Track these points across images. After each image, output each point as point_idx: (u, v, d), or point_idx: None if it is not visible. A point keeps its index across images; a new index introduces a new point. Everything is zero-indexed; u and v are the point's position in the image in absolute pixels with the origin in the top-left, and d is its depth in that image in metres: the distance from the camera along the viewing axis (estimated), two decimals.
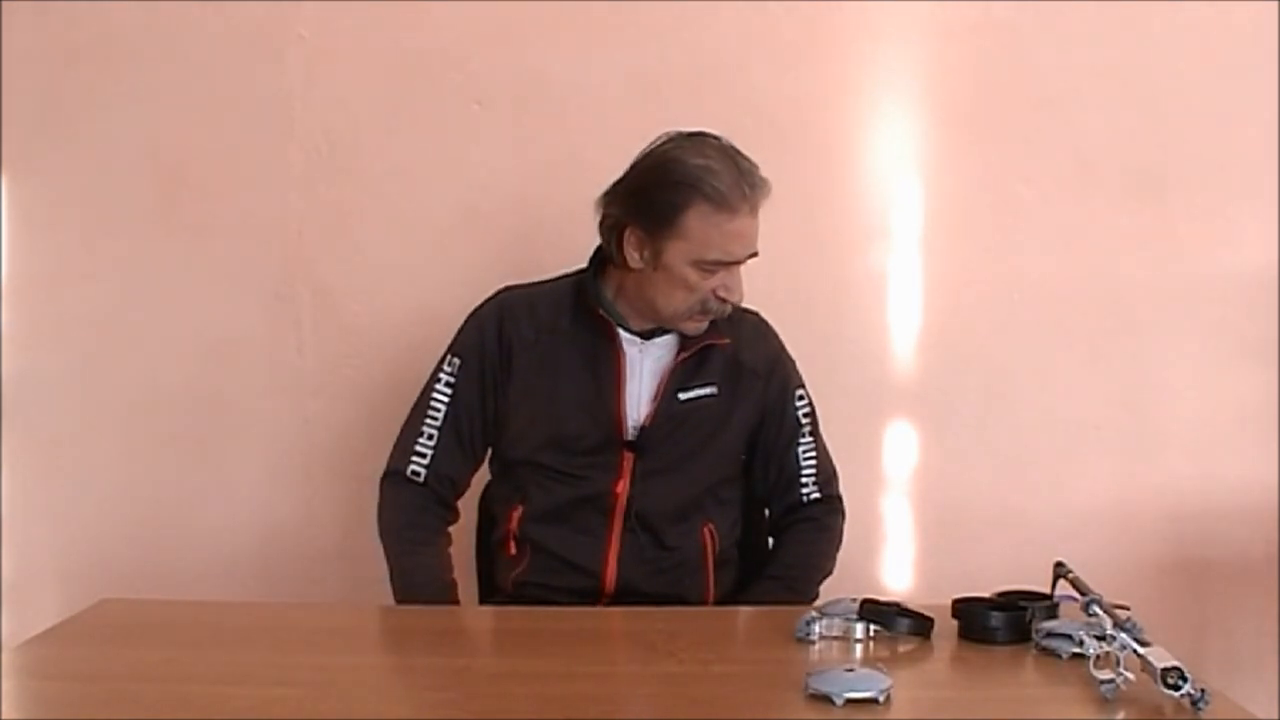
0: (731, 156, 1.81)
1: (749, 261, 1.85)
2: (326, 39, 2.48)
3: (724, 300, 1.83)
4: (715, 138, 1.84)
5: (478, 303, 2.00)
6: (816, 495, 1.97)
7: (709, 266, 1.81)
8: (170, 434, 2.53)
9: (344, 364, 2.51)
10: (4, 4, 2.47)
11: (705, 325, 1.88)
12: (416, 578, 1.87)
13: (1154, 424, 2.52)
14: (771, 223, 2.45)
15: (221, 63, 2.48)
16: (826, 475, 1.99)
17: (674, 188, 1.79)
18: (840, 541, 2.00)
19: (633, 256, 1.84)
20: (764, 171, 2.42)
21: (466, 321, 1.96)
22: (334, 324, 2.51)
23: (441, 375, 1.93)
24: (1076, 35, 2.46)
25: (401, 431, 1.95)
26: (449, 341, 1.96)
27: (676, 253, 1.81)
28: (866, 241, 2.51)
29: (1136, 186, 2.49)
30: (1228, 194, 2.49)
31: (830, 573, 1.96)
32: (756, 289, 2.40)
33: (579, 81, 2.40)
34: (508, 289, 1.98)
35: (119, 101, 2.49)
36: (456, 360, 1.93)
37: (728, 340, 1.91)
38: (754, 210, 1.80)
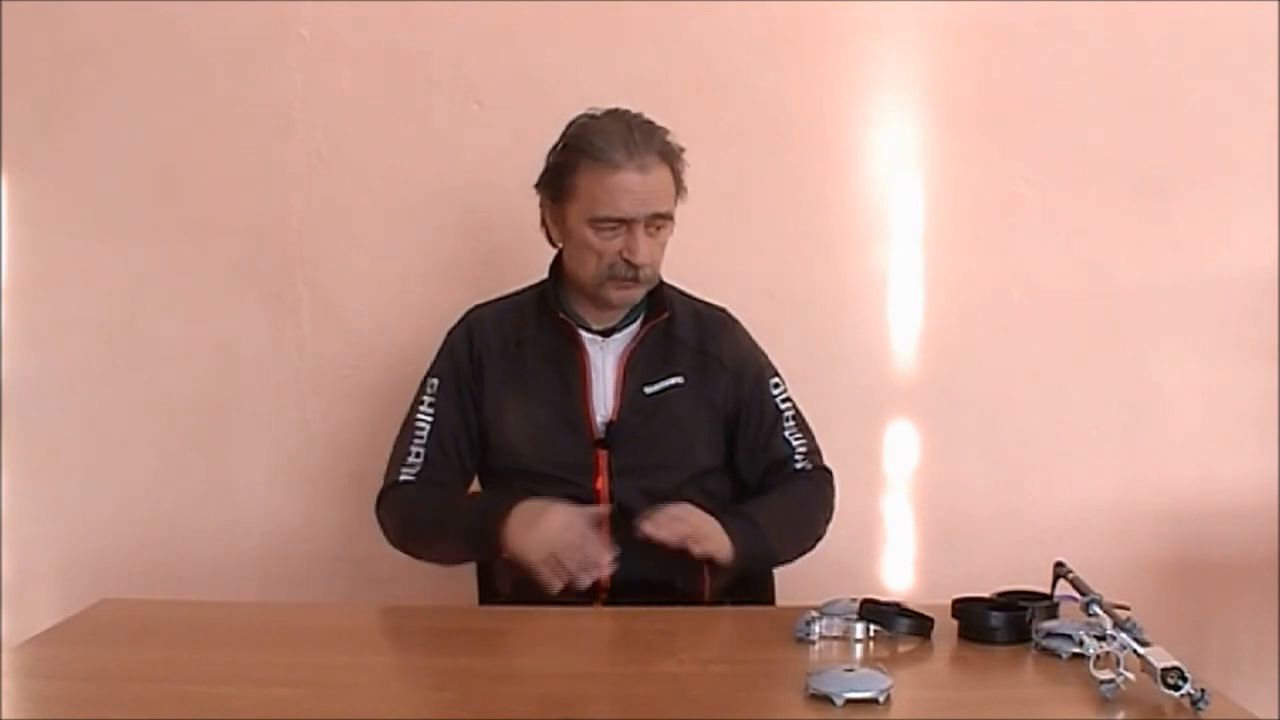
0: (626, 120, 1.85)
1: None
2: (326, 39, 2.48)
3: (630, 263, 1.83)
4: (624, 110, 1.87)
5: (475, 303, 2.03)
6: (808, 466, 1.98)
7: (603, 225, 1.83)
8: (170, 434, 2.53)
9: (344, 364, 2.51)
10: (4, 4, 2.47)
11: (633, 295, 1.88)
12: (458, 511, 1.88)
13: (1154, 424, 2.52)
14: (772, 223, 2.49)
15: (221, 63, 2.48)
16: (814, 449, 2.00)
17: (564, 152, 1.87)
18: (831, 500, 1.98)
19: (553, 232, 1.92)
20: (765, 171, 2.43)
21: (441, 344, 2.00)
22: (334, 324, 2.51)
23: (424, 397, 1.97)
24: (1076, 35, 2.46)
25: (391, 454, 1.98)
26: (432, 356, 1.99)
27: (574, 215, 1.85)
28: (866, 241, 2.51)
29: (1136, 186, 2.49)
30: (1228, 194, 2.49)
31: (817, 532, 1.94)
32: (758, 289, 2.43)
33: (579, 81, 2.40)
34: (476, 307, 2.02)
35: (119, 101, 2.49)
36: (435, 381, 1.97)
37: (666, 315, 1.92)
38: (643, 168, 1.81)
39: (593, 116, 1.87)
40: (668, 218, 1.86)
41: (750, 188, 2.47)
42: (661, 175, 1.84)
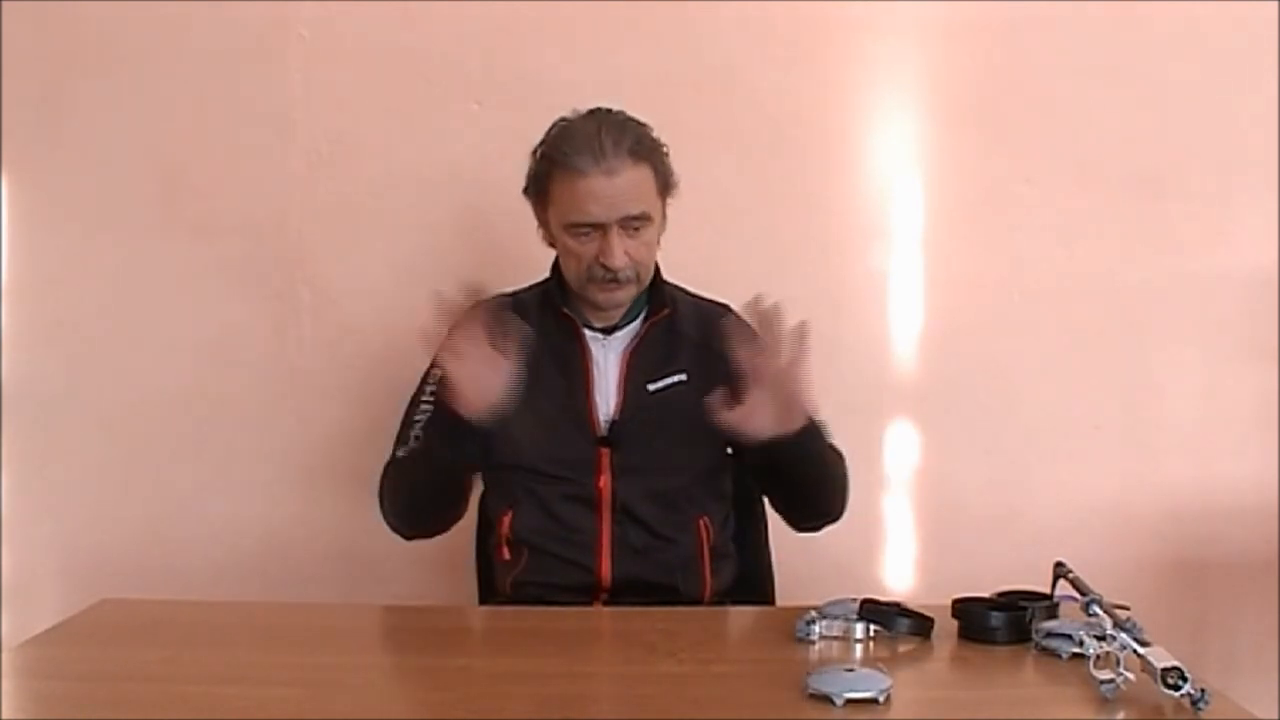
0: (599, 120, 1.82)
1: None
2: (326, 39, 2.48)
3: (607, 267, 1.82)
4: (609, 109, 1.85)
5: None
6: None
7: (576, 230, 1.82)
8: (170, 434, 2.53)
9: (344, 364, 2.51)
10: (4, 4, 2.47)
11: (618, 297, 1.86)
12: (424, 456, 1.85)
13: (1154, 424, 2.52)
14: (772, 222, 2.49)
15: (221, 63, 2.49)
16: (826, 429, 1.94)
17: (540, 159, 1.86)
18: (846, 474, 1.93)
19: (544, 234, 1.91)
20: (765, 171, 2.42)
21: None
22: (334, 324, 2.52)
23: (427, 386, 1.95)
24: (1076, 35, 2.46)
25: (398, 429, 1.96)
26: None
27: (553, 220, 1.86)
28: (866, 241, 2.51)
29: (1136, 186, 2.49)
30: (1228, 194, 2.49)
31: (839, 484, 1.89)
32: (757, 289, 2.41)
33: (579, 81, 2.39)
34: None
35: (119, 101, 2.49)
36: (437, 371, 1.94)
37: (668, 311, 1.92)
38: (610, 172, 1.78)
39: (569, 120, 1.86)
40: (644, 218, 1.83)
41: (750, 187, 2.47)
42: (633, 176, 1.81)
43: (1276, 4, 2.44)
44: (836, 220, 2.51)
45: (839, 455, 1.92)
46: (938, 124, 2.51)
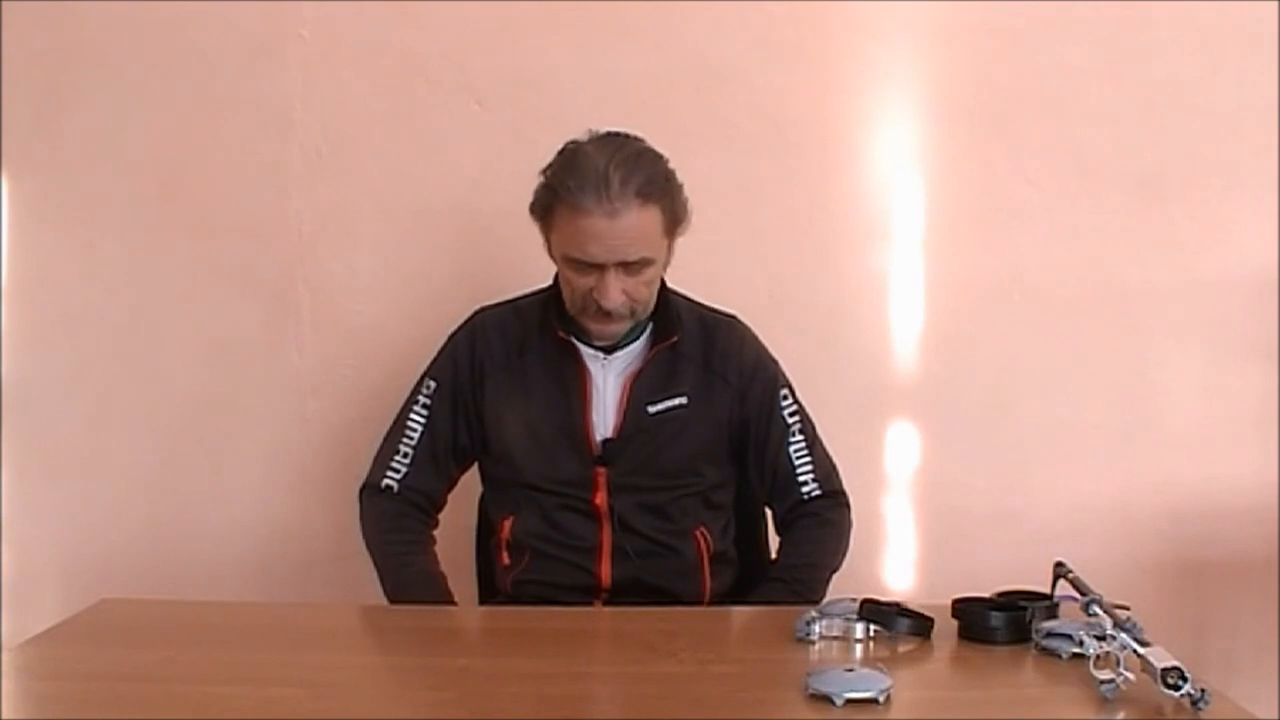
0: (610, 154, 1.75)
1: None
2: (326, 39, 2.48)
3: (600, 305, 1.79)
4: (625, 137, 1.81)
5: (475, 305, 2.03)
6: (818, 492, 1.96)
7: (574, 265, 1.79)
8: (170, 434, 2.53)
9: (344, 364, 2.51)
10: (4, 4, 2.47)
11: (611, 330, 1.85)
12: (406, 578, 1.89)
13: (1154, 424, 2.52)
14: (772, 223, 2.49)
15: (221, 63, 2.48)
16: (825, 471, 1.97)
17: (547, 184, 1.81)
18: (847, 535, 1.98)
19: (549, 251, 1.88)
20: (765, 172, 2.42)
21: (444, 345, 1.99)
22: (334, 324, 2.51)
23: (419, 397, 1.96)
24: (1076, 35, 2.46)
25: (380, 448, 1.99)
26: (433, 355, 2.00)
27: (555, 246, 1.83)
28: (867, 242, 2.51)
29: (1136, 186, 2.49)
30: (1228, 194, 2.49)
31: (838, 568, 1.94)
32: (757, 289, 2.43)
33: (579, 81, 2.40)
34: (482, 310, 2.01)
35: (119, 101, 2.49)
36: (433, 383, 1.96)
37: (676, 338, 1.89)
38: (613, 214, 1.72)
39: (581, 145, 1.80)
40: (643, 262, 1.79)
41: (750, 188, 2.47)
42: (638, 218, 1.75)
43: (1276, 4, 2.44)
44: (836, 220, 2.51)
45: (838, 543, 1.97)
46: (938, 125, 2.51)
